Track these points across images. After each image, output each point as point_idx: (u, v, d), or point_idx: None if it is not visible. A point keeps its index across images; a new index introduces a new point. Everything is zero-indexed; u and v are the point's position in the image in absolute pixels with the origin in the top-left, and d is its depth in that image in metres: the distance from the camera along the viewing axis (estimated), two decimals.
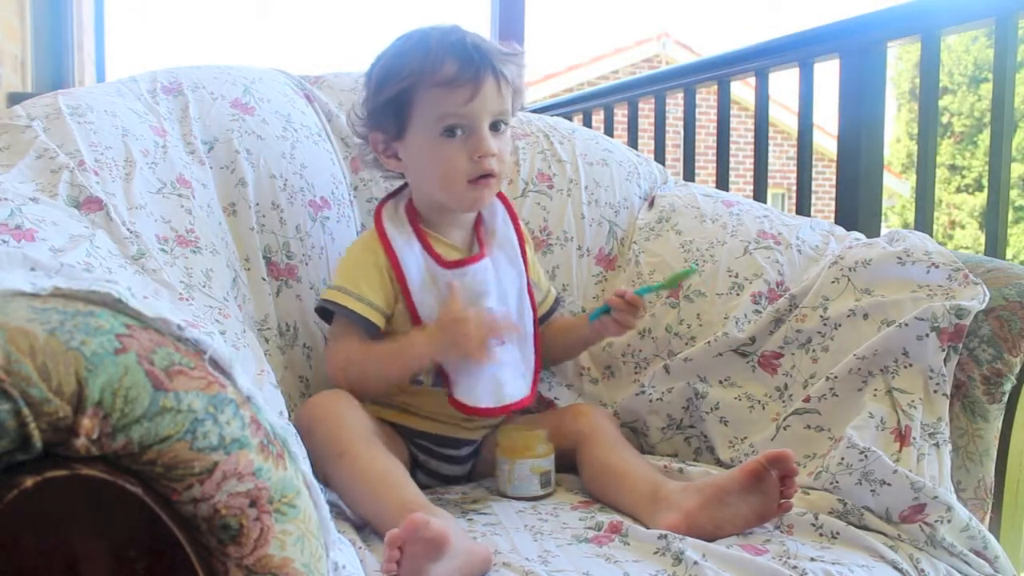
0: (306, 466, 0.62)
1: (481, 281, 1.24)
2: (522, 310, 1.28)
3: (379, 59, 1.24)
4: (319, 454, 1.02)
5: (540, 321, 1.34)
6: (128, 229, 1.04)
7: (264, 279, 1.30)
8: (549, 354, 1.36)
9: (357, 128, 1.29)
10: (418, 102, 1.18)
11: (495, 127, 1.20)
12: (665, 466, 1.18)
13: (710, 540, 0.96)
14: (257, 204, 1.33)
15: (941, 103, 1.91)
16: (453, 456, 1.26)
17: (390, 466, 1.06)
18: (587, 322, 1.28)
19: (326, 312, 1.25)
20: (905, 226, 1.53)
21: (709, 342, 1.30)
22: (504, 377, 1.22)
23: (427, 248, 1.23)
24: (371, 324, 1.19)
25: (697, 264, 1.38)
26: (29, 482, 0.48)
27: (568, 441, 1.21)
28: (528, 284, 1.29)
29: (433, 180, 1.22)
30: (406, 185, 1.30)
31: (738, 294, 1.33)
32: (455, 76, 1.15)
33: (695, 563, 0.88)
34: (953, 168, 11.65)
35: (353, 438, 1.07)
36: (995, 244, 1.57)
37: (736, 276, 1.35)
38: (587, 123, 2.81)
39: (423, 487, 1.23)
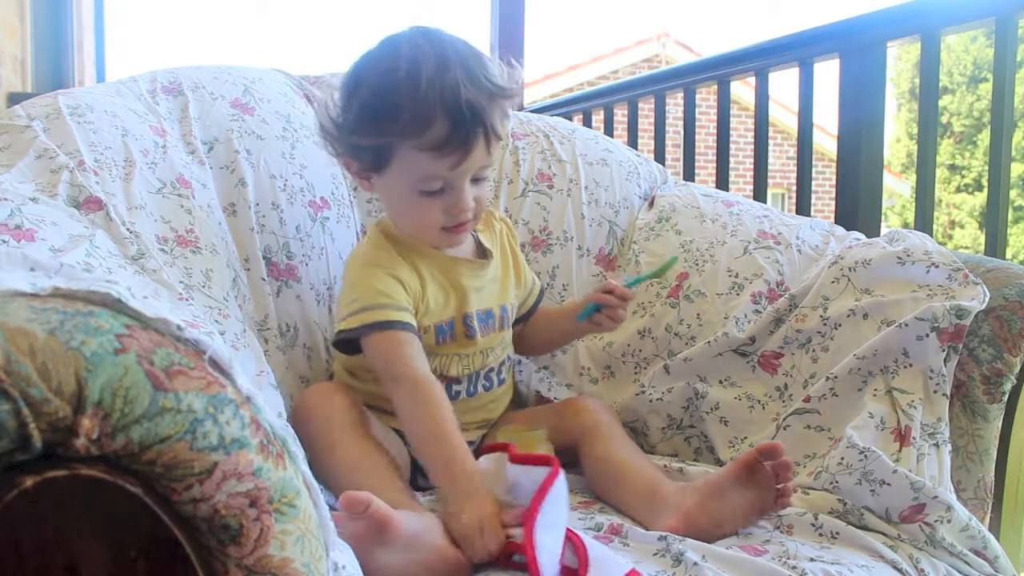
0: (306, 466, 0.62)
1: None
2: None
3: (358, 80, 1.10)
4: (311, 447, 1.01)
5: (526, 316, 1.36)
6: (128, 229, 1.04)
7: (264, 279, 1.30)
8: (530, 347, 1.38)
9: (329, 139, 1.17)
10: (400, 155, 1.09)
11: (476, 180, 1.14)
12: (665, 466, 1.18)
13: (710, 538, 0.97)
14: (257, 204, 1.33)
15: (940, 103, 1.90)
16: None
17: (379, 462, 1.05)
18: (573, 320, 1.26)
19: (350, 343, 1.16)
20: (905, 226, 1.53)
21: (709, 342, 1.30)
22: None
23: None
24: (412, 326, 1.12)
25: (678, 256, 1.40)
26: (29, 482, 0.48)
27: (570, 437, 1.20)
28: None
29: (406, 223, 1.19)
30: None
31: (738, 294, 1.33)
32: (444, 141, 1.05)
33: (695, 564, 0.88)
34: (953, 168, 11.65)
35: (345, 433, 1.07)
36: (995, 244, 1.57)
37: (736, 276, 1.35)
38: (587, 123, 2.81)
39: (424, 490, 1.23)
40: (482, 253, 1.28)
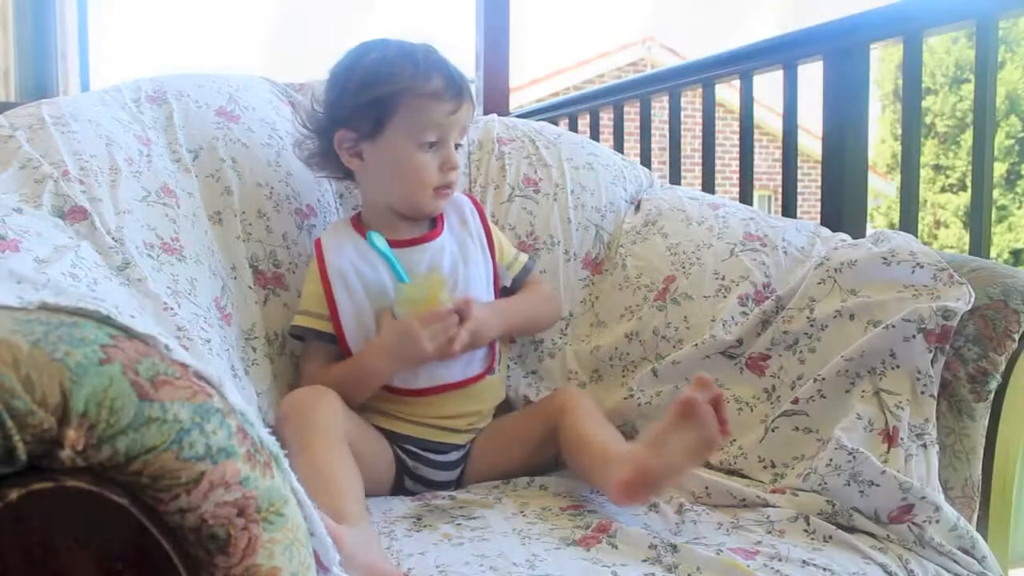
0: (292, 475, 0.62)
1: (438, 250, 1.30)
2: (489, 295, 1.33)
3: (355, 61, 1.28)
4: (284, 447, 1.02)
5: (512, 288, 1.38)
6: (113, 238, 1.03)
7: (251, 287, 1.29)
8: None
9: (316, 123, 1.31)
10: (402, 108, 1.23)
11: (456, 145, 1.30)
12: None
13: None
14: (243, 213, 1.32)
15: (924, 104, 1.91)
16: (440, 461, 1.27)
17: (339, 470, 1.05)
18: None
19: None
20: (890, 226, 1.53)
21: (696, 345, 1.30)
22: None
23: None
24: (321, 333, 1.27)
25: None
26: (14, 495, 0.48)
27: (552, 420, 1.23)
28: (495, 274, 1.34)
29: (400, 184, 1.28)
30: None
31: (725, 296, 1.33)
32: (442, 90, 1.23)
33: (682, 566, 0.88)
34: (937, 168, 11.72)
35: (315, 436, 1.07)
36: (979, 243, 1.58)
37: (722, 278, 1.35)
38: (573, 127, 2.80)
39: (412, 493, 1.23)
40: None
